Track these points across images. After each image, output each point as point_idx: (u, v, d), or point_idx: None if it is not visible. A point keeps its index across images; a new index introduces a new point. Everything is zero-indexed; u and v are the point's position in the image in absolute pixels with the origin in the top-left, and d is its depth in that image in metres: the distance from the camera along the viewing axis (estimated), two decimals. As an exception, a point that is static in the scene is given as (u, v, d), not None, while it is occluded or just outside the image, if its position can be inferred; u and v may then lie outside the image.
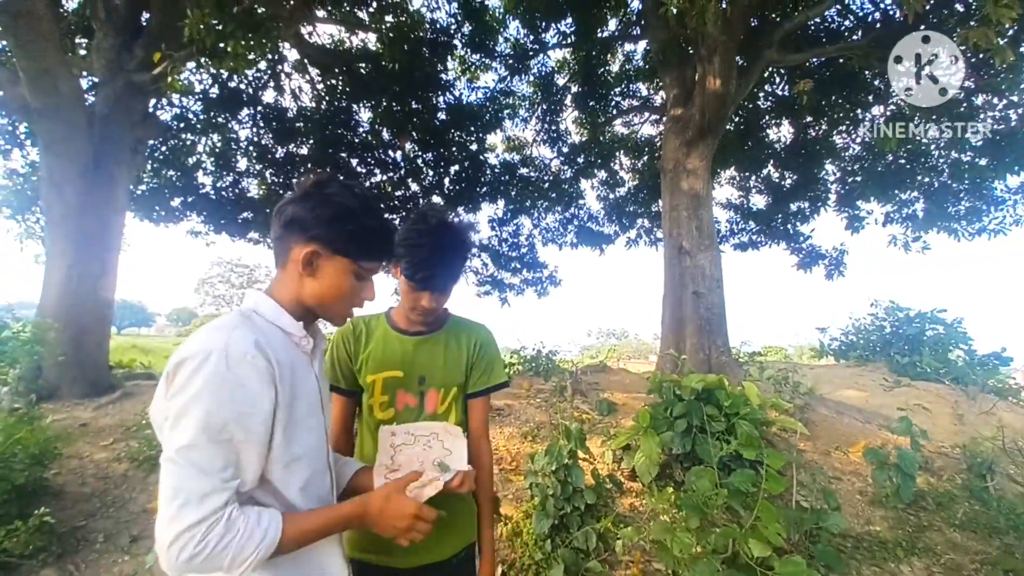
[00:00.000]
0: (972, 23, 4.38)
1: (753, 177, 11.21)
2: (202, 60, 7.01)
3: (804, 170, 9.85)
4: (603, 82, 10.47)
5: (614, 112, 11.13)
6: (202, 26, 5.30)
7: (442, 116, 10.13)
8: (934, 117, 5.79)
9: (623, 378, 6.41)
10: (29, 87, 5.54)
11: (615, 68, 10.84)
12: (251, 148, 10.51)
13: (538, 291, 12.56)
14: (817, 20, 7.26)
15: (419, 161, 10.93)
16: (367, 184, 10.53)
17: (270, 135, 10.33)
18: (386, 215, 1.09)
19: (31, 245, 8.97)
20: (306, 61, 9.90)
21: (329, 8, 8.71)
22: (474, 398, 1.41)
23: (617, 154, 12.00)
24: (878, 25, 6.82)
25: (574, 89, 10.69)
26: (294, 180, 9.97)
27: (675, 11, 5.08)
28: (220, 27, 5.48)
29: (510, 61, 10.19)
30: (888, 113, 7.73)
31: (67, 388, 5.30)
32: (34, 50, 5.43)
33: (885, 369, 7.60)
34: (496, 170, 11.60)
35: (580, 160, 11.78)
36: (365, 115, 10.40)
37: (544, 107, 11.11)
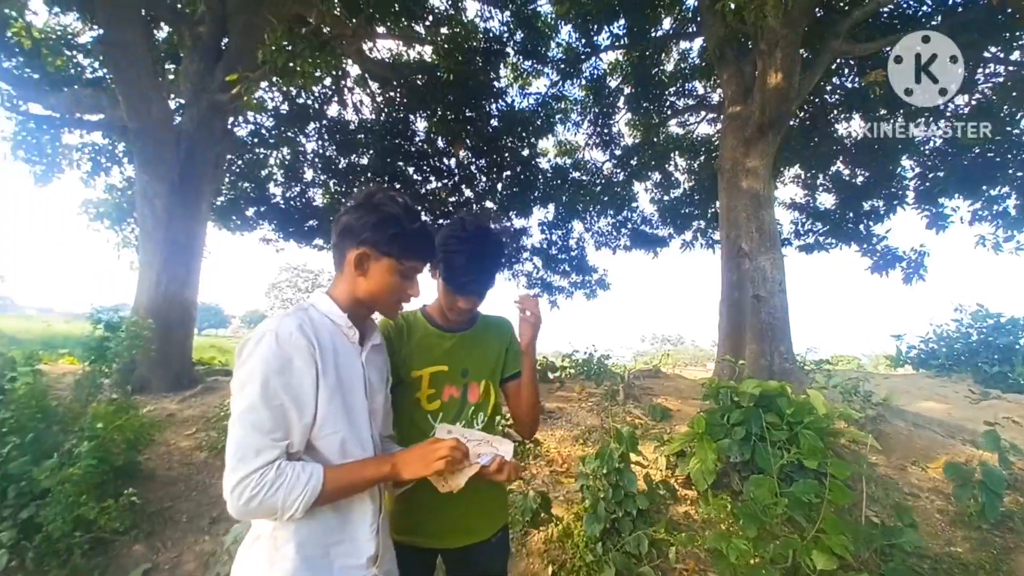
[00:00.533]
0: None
1: (820, 175, 10.59)
2: (274, 79, 7.56)
3: (878, 166, 9.19)
4: (657, 82, 10.28)
5: (669, 112, 10.90)
6: (274, 48, 5.72)
7: (495, 123, 10.31)
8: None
9: (677, 384, 6.25)
10: (126, 110, 6.17)
11: (670, 67, 10.62)
12: (316, 160, 11.15)
13: (587, 294, 12.48)
14: (891, 6, 6.81)
15: (472, 168, 11.16)
16: (423, 191, 10.90)
17: (334, 147, 10.90)
18: (427, 220, 1.21)
19: (127, 253, 9.97)
20: (367, 76, 10.40)
21: (388, 24, 9.10)
22: (512, 379, 1.52)
23: (672, 155, 11.72)
24: (960, 9, 6.31)
25: (627, 91, 10.57)
26: (355, 189, 10.49)
27: (732, 6, 4.94)
28: (290, 48, 5.88)
29: (562, 66, 10.22)
30: (973, 103, 7.11)
31: (156, 382, 5.84)
32: (130, 76, 6.06)
33: (970, 380, 6.96)
34: (548, 175, 11.65)
35: (633, 162, 11.62)
36: (421, 125, 10.77)
37: (596, 110, 11.04)
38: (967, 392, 6.29)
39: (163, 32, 8.47)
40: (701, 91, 10.88)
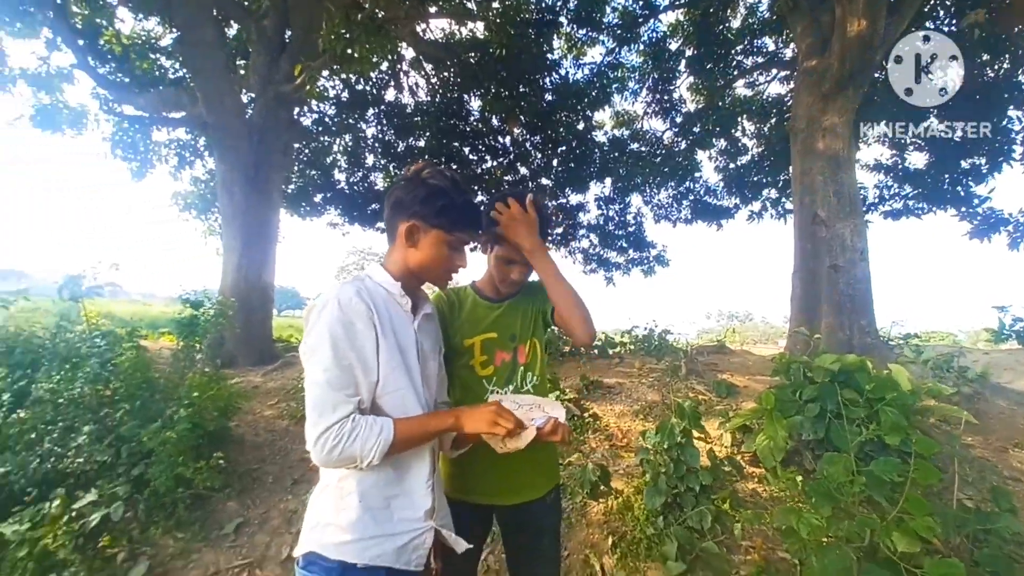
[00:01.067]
0: None
1: (910, 132, 9.55)
2: (334, 67, 7.81)
3: (979, 119, 8.15)
4: (722, 41, 9.60)
5: (735, 73, 10.18)
6: (333, 36, 5.90)
7: (549, 97, 10.11)
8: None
9: (744, 359, 5.97)
10: (204, 105, 6.62)
11: (736, 24, 9.87)
12: (377, 144, 11.47)
13: (644, 270, 12.14)
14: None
15: (527, 144, 11.06)
16: (479, 171, 10.96)
17: (392, 131, 11.16)
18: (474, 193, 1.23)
19: (212, 240, 10.84)
20: (421, 58, 10.49)
21: (440, 2, 9.11)
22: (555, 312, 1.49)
23: (739, 119, 10.97)
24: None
25: (689, 53, 9.94)
26: (413, 171, 10.71)
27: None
28: (348, 35, 6.04)
29: (618, 31, 9.77)
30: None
31: (242, 357, 6.37)
32: (206, 73, 6.48)
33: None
34: (604, 148, 11.32)
35: (696, 129, 11.00)
36: (475, 104, 10.76)
37: (655, 76, 10.50)
38: (1086, 369, 5.56)
39: (233, 29, 8.95)
40: (771, 47, 10.06)
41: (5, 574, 2.31)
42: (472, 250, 1.34)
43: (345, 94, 10.78)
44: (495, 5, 9.20)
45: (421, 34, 9.90)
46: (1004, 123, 8.17)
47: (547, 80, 10.05)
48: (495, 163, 11.26)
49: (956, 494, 2.72)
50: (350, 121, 10.91)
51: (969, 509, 2.57)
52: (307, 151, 10.94)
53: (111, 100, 8.23)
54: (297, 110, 8.63)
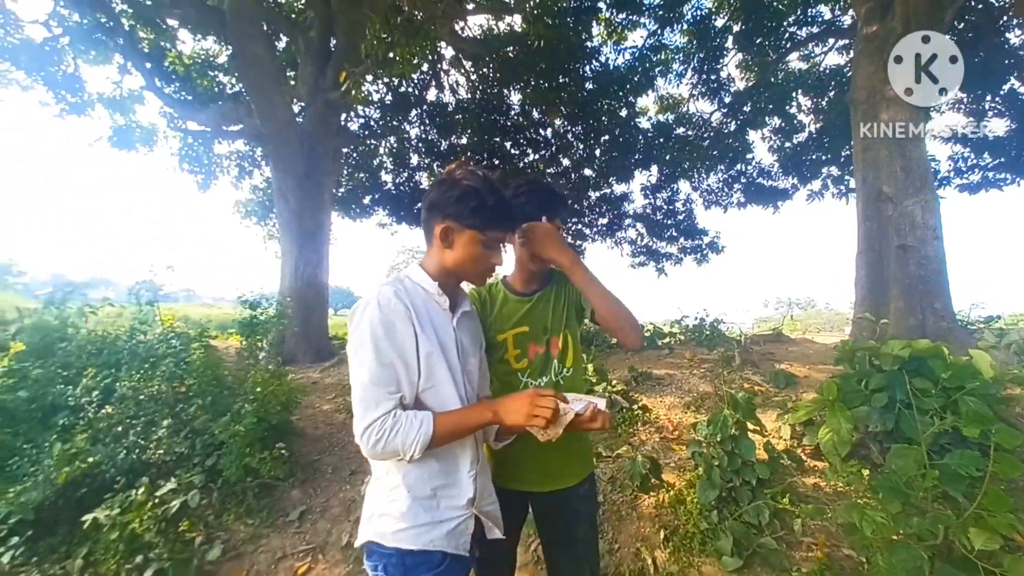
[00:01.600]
0: None
1: (989, 97, 8.69)
2: (377, 71, 8.03)
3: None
4: (773, 12, 9.07)
5: (788, 46, 9.61)
6: (375, 41, 6.06)
7: (589, 86, 9.95)
8: None
9: (804, 348, 5.67)
10: (259, 117, 6.97)
11: (787, -7, 9.33)
12: (420, 144, 11.70)
13: (697, 259, 11.75)
14: None
15: (568, 136, 10.95)
16: (520, 165, 10.95)
17: (435, 130, 11.34)
18: (508, 191, 1.30)
19: (272, 244, 11.44)
20: (460, 56, 10.59)
21: (477, -1, 9.15)
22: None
23: (794, 94, 10.36)
24: None
25: (736, 28, 9.48)
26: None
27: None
28: (388, 39, 6.19)
29: (659, 12, 9.45)
30: None
31: (301, 355, 6.70)
32: (259, 86, 6.81)
33: None
34: (649, 134, 11.03)
35: (746, 109, 10.51)
36: (515, 98, 10.77)
37: (700, 56, 10.09)
38: None
39: (282, 43, 9.37)
40: (827, 15, 9.42)
41: (100, 554, 2.56)
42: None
43: (389, 97, 11.05)
44: (532, -3, 9.13)
45: (459, 32, 9.99)
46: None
47: (587, 68, 9.90)
48: (537, 156, 11.22)
49: (1047, 490, 2.49)
50: (394, 123, 11.18)
51: (1063, 507, 2.34)
52: (355, 155, 11.32)
53: (176, 117, 8.83)
54: (344, 116, 8.94)
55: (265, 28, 7.39)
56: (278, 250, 7.75)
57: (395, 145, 11.79)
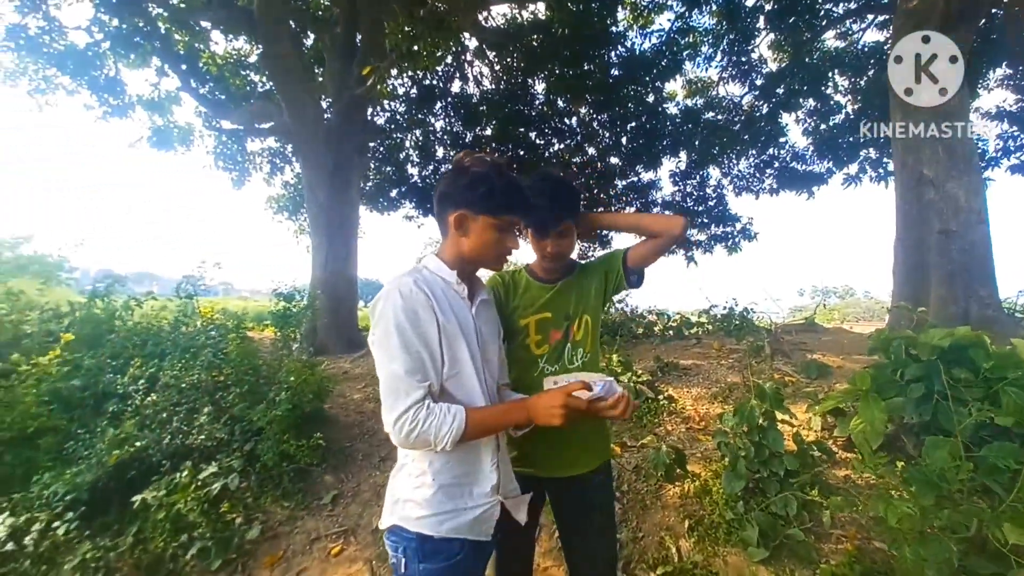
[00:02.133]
0: None
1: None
2: (401, 65, 8.10)
3: None
4: (807, -11, 8.72)
5: (823, 23, 9.21)
6: (399, 35, 6.11)
7: (615, 72, 9.77)
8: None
9: (839, 338, 5.50)
10: (288, 114, 7.14)
11: (823, -32, 8.93)
12: (445, 137, 11.75)
13: (728, 247, 11.44)
14: None
15: (594, 124, 10.81)
16: (546, 155, 10.89)
17: (459, 122, 11.36)
18: (515, 176, 1.29)
19: (303, 239, 11.74)
20: (483, 46, 10.56)
21: (500, -12, 9.09)
22: (627, 262, 1.56)
23: (830, 74, 9.94)
24: None
25: (768, 7, 9.14)
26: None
27: None
28: (412, 32, 6.22)
29: (687, -7, 9.20)
30: None
31: (332, 345, 6.89)
32: (288, 84, 6.96)
33: None
34: (676, 120, 10.77)
35: (779, 91, 10.13)
36: (540, 87, 10.67)
37: (731, 38, 9.78)
38: None
39: (309, 40, 9.54)
40: (867, -11, 8.99)
41: (148, 532, 2.73)
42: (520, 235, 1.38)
43: (414, 90, 11.13)
44: (555, -17, 9.01)
45: (483, 22, 9.95)
46: None
47: (612, 54, 9.73)
48: (562, 146, 11.12)
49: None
50: (419, 116, 11.26)
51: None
52: (381, 149, 11.46)
53: (211, 116, 9.12)
54: (370, 110, 9.07)
55: (292, 26, 7.54)
56: (309, 244, 7.97)
57: (420, 138, 11.87)
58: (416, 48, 6.41)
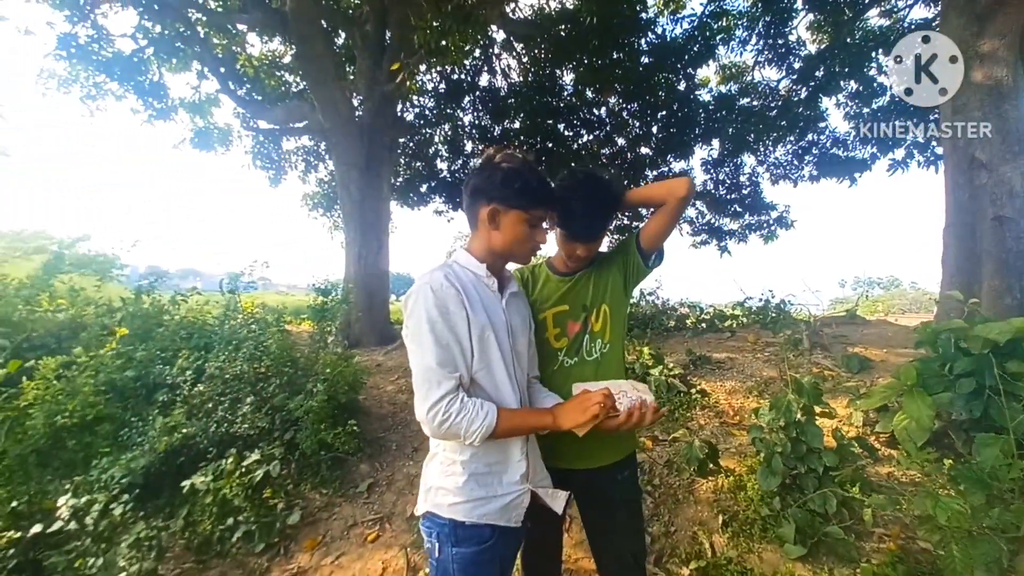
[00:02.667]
0: None
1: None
2: (430, 61, 8.15)
3: None
4: (849, -35, 8.33)
5: (866, 1, 8.79)
6: (428, 30, 6.15)
7: (645, 60, 9.58)
8: None
9: (883, 331, 5.28)
10: (321, 112, 7.30)
11: (866, -57, 8.51)
12: (474, 131, 11.78)
13: (764, 236, 11.10)
14: None
15: (624, 114, 10.63)
16: (575, 147, 10.78)
17: (488, 116, 11.36)
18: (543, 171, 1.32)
19: (338, 235, 12.01)
20: (511, 38, 10.51)
21: (527, -22, 9.01)
22: (640, 247, 1.52)
23: (873, 55, 9.46)
24: None
25: (807, -14, 8.79)
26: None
27: None
28: (439, 26, 6.25)
29: (721, -24, 8.93)
30: None
31: (366, 338, 7.06)
32: (320, 82, 7.12)
33: None
34: (709, 107, 10.49)
35: (818, 74, 9.71)
36: (568, 78, 10.56)
37: (766, 20, 9.43)
38: None
39: (340, 39, 9.71)
40: (914, -37, 8.52)
41: (197, 515, 2.88)
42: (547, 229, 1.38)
43: (442, 85, 11.18)
44: (584, -29, 8.88)
45: (510, 14, 9.90)
46: None
47: (642, 42, 9.53)
48: (591, 137, 10.99)
49: None
50: (448, 111, 11.31)
51: None
52: (411, 144, 11.59)
53: (248, 117, 9.42)
54: (400, 107, 9.17)
55: (324, 26, 7.68)
56: (343, 240, 8.15)
57: (449, 133, 11.94)
58: (444, 43, 6.43)
